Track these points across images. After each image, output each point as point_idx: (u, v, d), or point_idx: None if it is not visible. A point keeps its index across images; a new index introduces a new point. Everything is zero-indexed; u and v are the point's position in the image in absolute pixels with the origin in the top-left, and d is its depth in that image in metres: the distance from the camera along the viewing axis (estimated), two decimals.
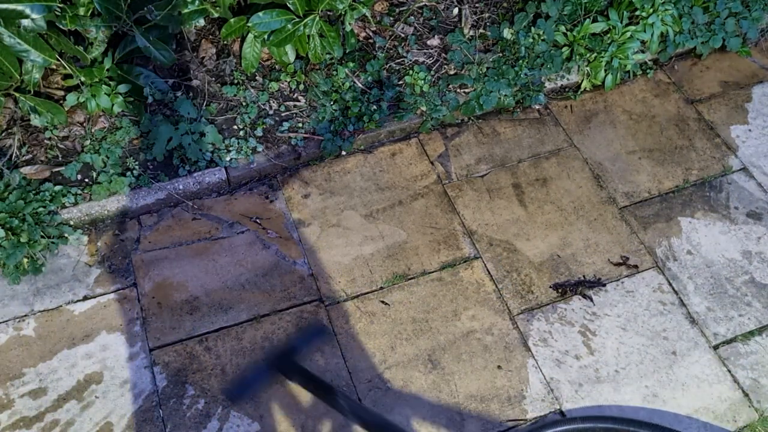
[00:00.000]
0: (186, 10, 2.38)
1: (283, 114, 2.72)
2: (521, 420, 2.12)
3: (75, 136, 2.56)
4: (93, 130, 2.56)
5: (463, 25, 2.96)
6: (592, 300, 2.38)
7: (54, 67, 2.43)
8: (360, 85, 2.75)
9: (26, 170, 2.44)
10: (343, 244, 2.48)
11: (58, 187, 2.41)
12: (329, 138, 2.65)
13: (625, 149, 2.81)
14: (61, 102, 2.51)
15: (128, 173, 2.50)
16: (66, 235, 2.37)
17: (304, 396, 2.13)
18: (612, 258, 2.49)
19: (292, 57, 2.70)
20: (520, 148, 2.79)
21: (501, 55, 2.87)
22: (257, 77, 2.77)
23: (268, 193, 2.60)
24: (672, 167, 2.76)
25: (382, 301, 2.35)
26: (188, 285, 2.34)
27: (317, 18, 2.50)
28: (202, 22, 2.47)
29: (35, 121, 2.41)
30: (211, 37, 2.82)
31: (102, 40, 2.36)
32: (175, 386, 2.13)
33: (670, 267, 2.48)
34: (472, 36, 2.93)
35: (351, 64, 2.77)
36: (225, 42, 2.77)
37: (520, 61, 2.82)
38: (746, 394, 2.20)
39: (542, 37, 2.83)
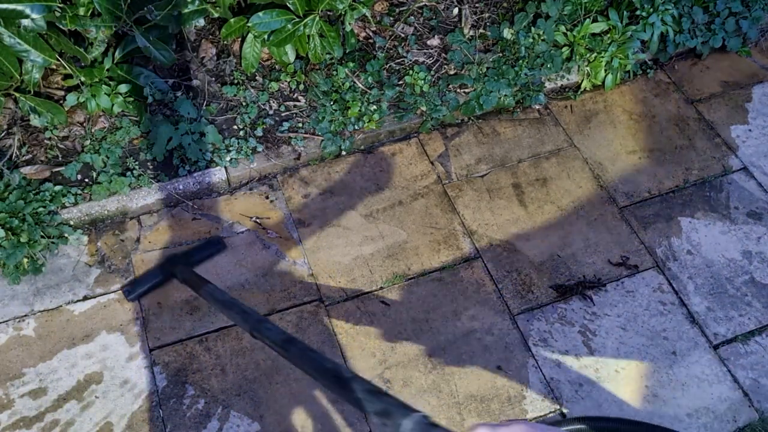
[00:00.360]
0: (186, 10, 2.38)
1: (283, 114, 2.72)
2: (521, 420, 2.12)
3: (75, 136, 2.56)
4: (93, 130, 2.56)
5: (463, 25, 2.96)
6: (592, 300, 2.38)
7: (54, 67, 2.43)
8: (360, 85, 2.75)
9: (26, 170, 2.44)
10: (343, 244, 2.48)
11: (58, 187, 2.41)
12: (329, 138, 2.65)
13: (625, 149, 2.81)
14: (61, 102, 2.51)
15: (128, 173, 2.50)
16: (66, 235, 2.37)
17: (305, 396, 2.13)
18: (612, 258, 2.49)
19: (292, 57, 2.70)
20: (520, 148, 2.79)
21: (501, 55, 2.87)
22: (257, 77, 2.77)
23: (268, 193, 2.60)
24: (672, 167, 2.76)
25: (382, 301, 2.35)
26: None
27: (317, 18, 2.50)
28: (202, 22, 2.47)
29: (35, 121, 2.41)
30: (211, 37, 2.82)
31: (102, 40, 2.36)
32: (175, 386, 2.13)
33: (670, 267, 2.48)
34: (472, 36, 2.93)
35: (351, 64, 2.77)
36: (225, 42, 2.77)
37: (520, 61, 2.82)
38: (746, 394, 2.20)
39: (542, 37, 2.83)
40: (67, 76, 2.49)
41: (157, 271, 2.27)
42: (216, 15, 2.50)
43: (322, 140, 2.65)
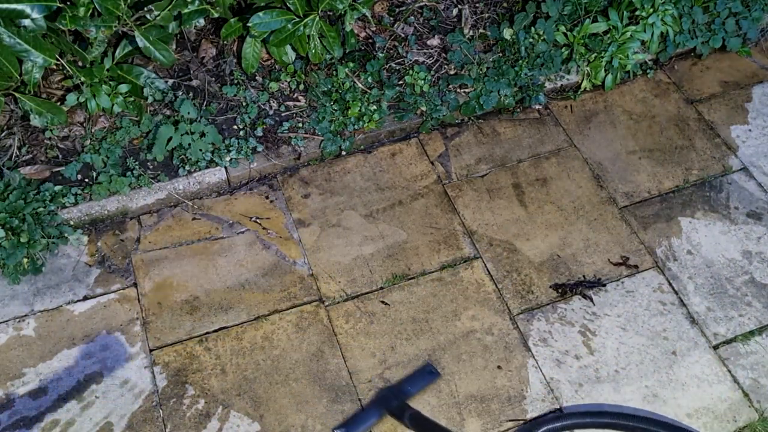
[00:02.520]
0: (186, 10, 2.38)
1: (283, 114, 2.72)
2: (521, 420, 2.12)
3: (75, 136, 2.56)
4: (93, 130, 2.56)
5: (463, 25, 2.96)
6: (592, 300, 2.38)
7: (54, 67, 2.43)
8: (360, 85, 2.76)
9: (26, 170, 2.44)
10: (343, 244, 2.48)
11: (58, 187, 2.41)
12: (329, 138, 2.65)
13: (625, 149, 2.81)
14: (61, 102, 2.51)
15: (128, 173, 2.50)
16: (66, 235, 2.37)
17: (305, 396, 2.13)
18: (612, 258, 2.49)
19: (292, 57, 2.70)
20: (520, 148, 2.79)
21: (501, 55, 2.87)
22: (257, 77, 2.77)
23: (268, 193, 2.60)
24: (672, 167, 2.76)
25: (382, 301, 2.35)
26: (188, 285, 2.34)
27: (317, 18, 2.50)
28: (202, 22, 2.47)
29: (35, 121, 2.41)
30: (211, 37, 2.82)
31: (102, 40, 2.36)
32: (175, 386, 2.13)
33: (670, 267, 2.48)
34: (472, 36, 2.93)
35: (351, 64, 2.77)
36: (225, 42, 2.77)
37: (520, 61, 2.82)
38: (746, 394, 2.20)
39: (542, 37, 2.83)
40: (67, 76, 2.49)
41: (373, 410, 2.10)
42: (216, 15, 2.50)
43: (322, 140, 2.65)
